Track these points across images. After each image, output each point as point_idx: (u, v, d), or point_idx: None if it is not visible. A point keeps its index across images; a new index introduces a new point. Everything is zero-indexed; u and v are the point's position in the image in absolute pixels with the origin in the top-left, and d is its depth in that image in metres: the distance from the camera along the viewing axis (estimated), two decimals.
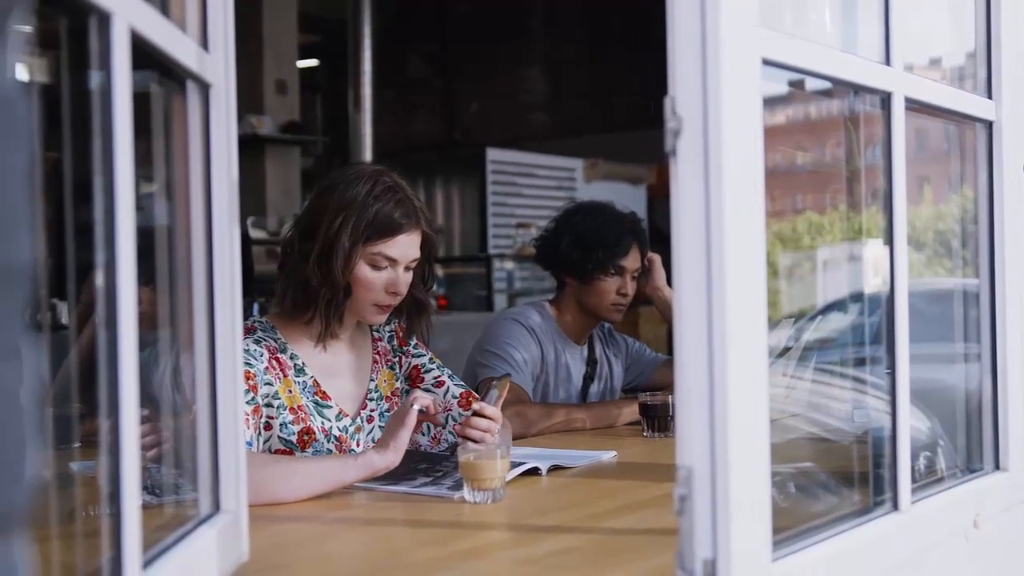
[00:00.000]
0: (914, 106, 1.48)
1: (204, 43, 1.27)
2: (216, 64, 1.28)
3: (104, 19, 0.93)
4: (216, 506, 1.30)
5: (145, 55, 1.04)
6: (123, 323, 0.94)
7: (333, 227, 2.01)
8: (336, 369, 2.15)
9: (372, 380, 2.20)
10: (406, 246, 2.06)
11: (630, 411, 2.71)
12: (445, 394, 2.23)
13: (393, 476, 1.95)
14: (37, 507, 0.56)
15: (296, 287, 2.06)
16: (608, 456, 2.24)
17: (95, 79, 0.95)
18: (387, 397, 2.22)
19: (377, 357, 2.23)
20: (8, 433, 0.50)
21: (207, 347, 1.29)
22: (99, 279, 0.94)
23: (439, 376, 2.27)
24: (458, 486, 1.82)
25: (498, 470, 1.77)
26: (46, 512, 1.04)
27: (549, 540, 1.54)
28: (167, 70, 1.18)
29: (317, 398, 2.09)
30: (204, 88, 1.26)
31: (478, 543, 1.55)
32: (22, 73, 0.56)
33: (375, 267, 2.05)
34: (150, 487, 1.35)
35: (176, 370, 1.39)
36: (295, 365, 2.09)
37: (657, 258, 2.97)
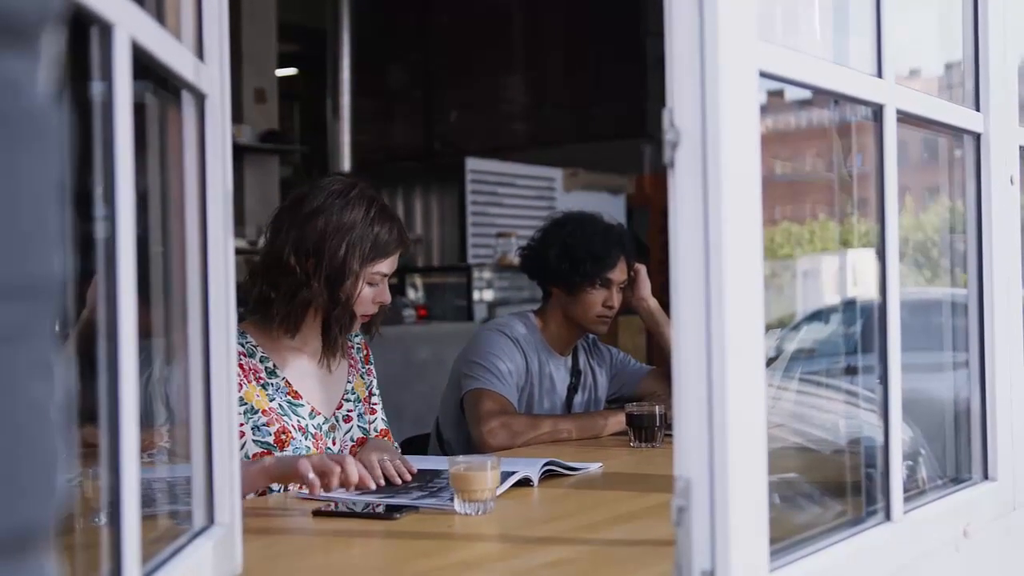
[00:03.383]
0: (904, 118, 1.50)
1: (200, 53, 1.26)
2: (211, 74, 1.27)
3: (105, 30, 0.92)
4: (210, 519, 1.29)
5: (142, 65, 1.04)
6: (123, 335, 0.93)
7: (340, 253, 2.10)
8: (310, 371, 2.22)
9: (349, 382, 2.29)
10: (396, 261, 2.21)
11: (616, 421, 2.71)
12: (373, 422, 2.34)
13: (389, 492, 1.94)
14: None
15: (300, 307, 2.12)
16: (594, 467, 2.23)
17: (95, 89, 0.94)
18: (363, 400, 2.31)
19: (352, 362, 2.32)
20: (40, 449, 0.50)
21: (201, 358, 1.28)
22: (100, 290, 0.93)
23: (376, 404, 2.38)
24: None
25: (488, 482, 1.76)
26: None
27: (543, 551, 1.54)
28: (163, 80, 1.17)
29: (289, 398, 2.15)
30: (200, 98, 1.25)
31: (472, 555, 1.55)
32: (54, 88, 0.56)
33: (371, 284, 2.17)
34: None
35: (165, 380, 1.39)
36: (267, 368, 2.15)
37: (642, 268, 2.98)
